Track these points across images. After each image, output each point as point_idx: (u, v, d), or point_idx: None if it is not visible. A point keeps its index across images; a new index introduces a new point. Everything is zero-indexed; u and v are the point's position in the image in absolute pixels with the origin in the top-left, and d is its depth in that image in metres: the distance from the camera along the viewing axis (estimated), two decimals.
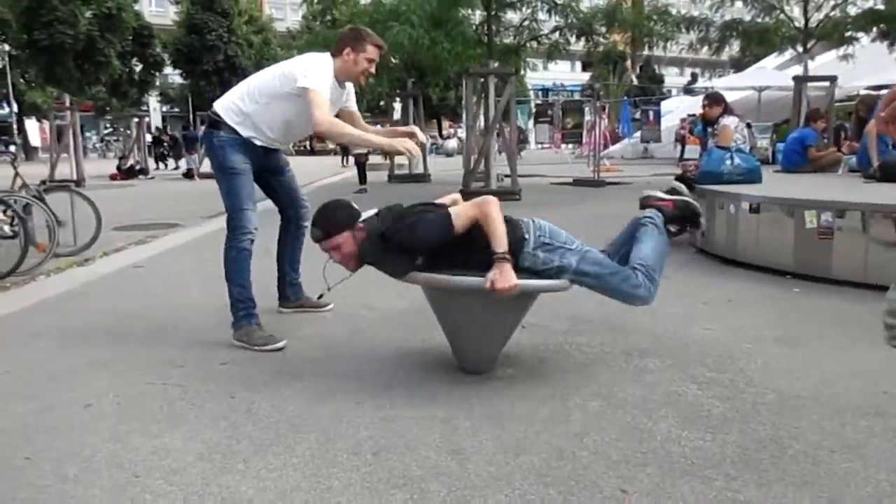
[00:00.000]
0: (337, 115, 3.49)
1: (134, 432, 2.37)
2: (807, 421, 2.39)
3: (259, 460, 2.15)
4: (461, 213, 2.69)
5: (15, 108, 32.02)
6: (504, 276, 2.54)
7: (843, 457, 2.12)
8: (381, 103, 39.02)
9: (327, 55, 3.45)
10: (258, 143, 3.47)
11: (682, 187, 3.41)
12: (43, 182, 6.48)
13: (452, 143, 33.34)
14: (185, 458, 2.17)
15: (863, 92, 12.52)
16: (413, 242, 2.69)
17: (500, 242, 2.60)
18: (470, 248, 2.67)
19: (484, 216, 2.64)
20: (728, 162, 5.73)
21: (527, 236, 2.78)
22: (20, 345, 3.41)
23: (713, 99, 6.33)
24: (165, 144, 25.06)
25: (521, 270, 2.68)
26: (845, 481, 1.98)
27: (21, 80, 31.57)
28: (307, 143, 41.66)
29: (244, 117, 3.40)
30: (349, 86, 3.64)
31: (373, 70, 3.52)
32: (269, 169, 3.74)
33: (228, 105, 3.42)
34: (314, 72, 3.28)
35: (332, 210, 2.90)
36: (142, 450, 2.23)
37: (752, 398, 2.61)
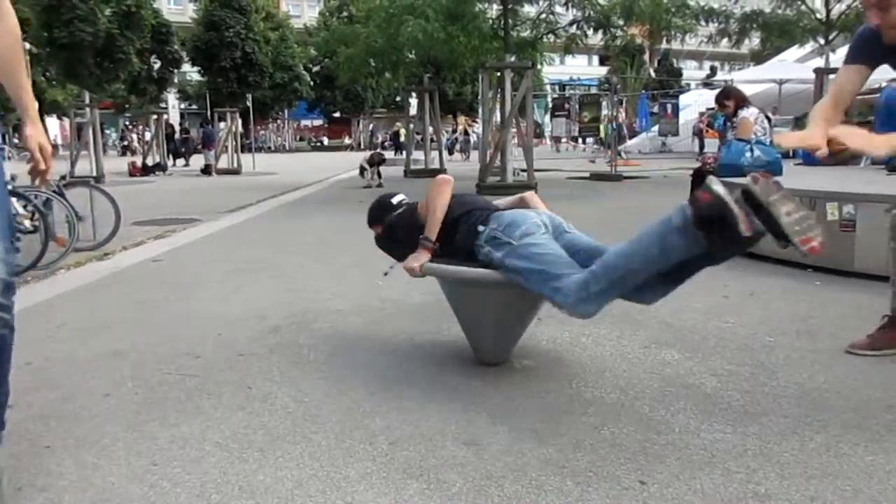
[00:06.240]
0: None
1: (152, 421, 2.38)
2: (829, 414, 2.35)
3: (276, 450, 2.15)
4: (426, 198, 2.82)
5: (36, 105, 32.36)
6: (411, 258, 2.73)
7: (866, 449, 2.08)
8: (398, 98, 39.08)
9: None
10: None
11: (757, 191, 2.11)
12: (63, 178, 6.54)
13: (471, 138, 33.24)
14: (202, 447, 2.18)
15: (884, 84, 12.33)
16: (393, 231, 2.97)
17: (428, 229, 2.74)
18: (445, 237, 2.76)
19: (427, 199, 2.79)
20: (748, 154, 5.66)
21: (481, 229, 2.67)
22: (41, 336, 3.45)
23: (724, 95, 6.23)
24: (175, 141, 25.03)
25: (478, 262, 2.68)
26: (868, 474, 1.94)
27: (42, 78, 31.95)
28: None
29: None
30: None
31: None
32: None
33: None
34: None
35: (374, 205, 3.15)
36: (160, 439, 2.25)
37: (773, 391, 2.57)
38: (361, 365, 2.95)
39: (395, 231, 2.96)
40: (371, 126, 46.12)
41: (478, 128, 23.86)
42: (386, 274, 3.21)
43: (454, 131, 32.29)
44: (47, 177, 2.09)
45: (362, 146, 41.33)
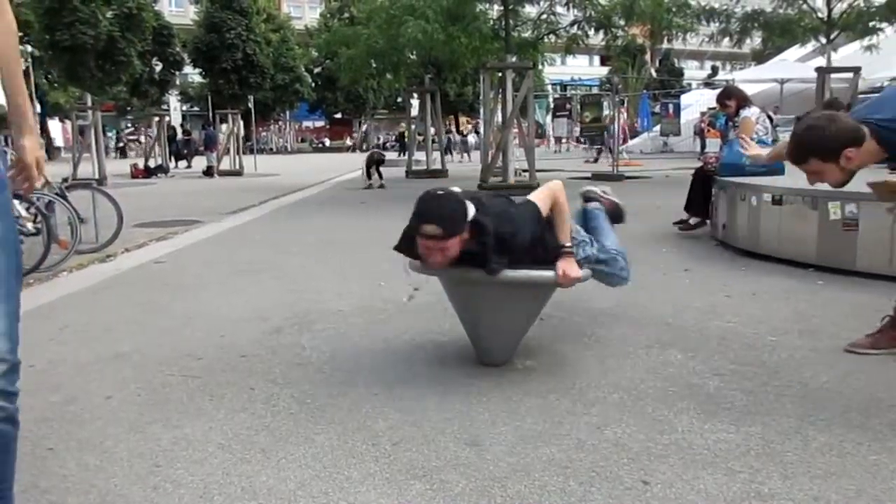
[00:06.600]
0: None
1: (155, 423, 2.39)
2: (832, 413, 2.35)
3: (278, 451, 2.15)
4: (544, 202, 2.66)
5: (38, 108, 32.50)
6: (574, 268, 2.64)
7: (869, 448, 2.08)
8: (399, 99, 39.08)
9: None
10: None
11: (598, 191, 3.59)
12: (65, 180, 6.55)
13: (471, 140, 33.26)
14: (205, 449, 2.18)
15: (886, 83, 12.32)
16: (516, 241, 2.52)
17: (567, 234, 2.69)
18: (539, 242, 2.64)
19: (558, 205, 2.68)
20: None
21: None
22: (44, 338, 3.45)
23: (725, 94, 6.21)
24: (177, 143, 25.02)
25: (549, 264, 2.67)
26: (872, 473, 1.94)
27: (44, 81, 32.01)
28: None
29: None
30: None
31: None
32: None
33: None
34: None
35: (453, 206, 2.46)
36: (163, 440, 2.25)
37: (775, 390, 2.56)
38: (363, 366, 2.95)
39: (524, 242, 2.56)
40: (365, 127, 46.13)
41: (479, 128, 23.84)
42: (411, 298, 3.09)
43: (448, 131, 32.27)
44: (35, 186, 1.94)
45: (362, 147, 41.37)
